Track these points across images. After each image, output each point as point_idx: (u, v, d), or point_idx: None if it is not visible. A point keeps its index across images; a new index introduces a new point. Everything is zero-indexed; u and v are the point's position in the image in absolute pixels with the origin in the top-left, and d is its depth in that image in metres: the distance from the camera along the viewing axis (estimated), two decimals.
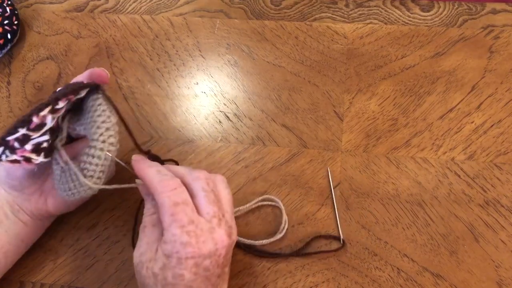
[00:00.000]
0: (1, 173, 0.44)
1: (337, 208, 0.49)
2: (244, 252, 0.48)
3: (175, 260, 0.35)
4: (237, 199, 0.51)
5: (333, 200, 0.50)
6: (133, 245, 0.49)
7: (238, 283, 0.47)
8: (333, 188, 0.50)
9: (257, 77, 0.57)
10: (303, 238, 0.48)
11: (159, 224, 0.39)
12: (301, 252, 0.47)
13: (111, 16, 0.63)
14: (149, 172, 0.39)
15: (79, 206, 0.51)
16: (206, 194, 0.38)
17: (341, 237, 0.48)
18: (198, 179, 0.39)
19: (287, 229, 0.48)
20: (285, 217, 0.49)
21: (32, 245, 0.49)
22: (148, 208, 0.41)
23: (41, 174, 0.44)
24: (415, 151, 0.51)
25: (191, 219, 0.36)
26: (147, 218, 0.40)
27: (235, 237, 0.39)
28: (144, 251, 0.38)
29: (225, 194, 0.40)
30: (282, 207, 0.49)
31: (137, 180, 0.42)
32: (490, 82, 0.54)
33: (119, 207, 0.51)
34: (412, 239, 0.47)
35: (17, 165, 0.39)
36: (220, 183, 0.41)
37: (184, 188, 0.38)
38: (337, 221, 0.49)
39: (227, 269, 0.40)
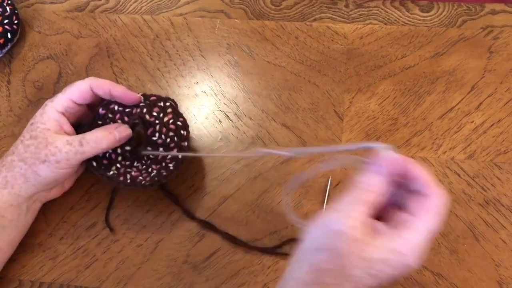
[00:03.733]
0: (41, 182, 0.45)
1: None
2: (244, 251, 0.48)
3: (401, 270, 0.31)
4: (237, 199, 0.51)
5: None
6: (108, 225, 0.50)
7: (238, 282, 0.47)
8: (330, 189, 0.50)
9: (257, 77, 0.57)
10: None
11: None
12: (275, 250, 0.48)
13: (112, 16, 0.63)
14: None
15: (79, 206, 0.51)
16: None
17: None
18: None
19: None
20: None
21: (31, 244, 0.49)
22: (379, 187, 0.34)
23: None
24: (415, 151, 0.51)
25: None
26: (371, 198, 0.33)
27: None
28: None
29: None
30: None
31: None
32: (489, 82, 0.54)
33: (118, 206, 0.51)
34: None
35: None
36: None
37: None
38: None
39: None
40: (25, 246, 0.49)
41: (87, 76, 0.59)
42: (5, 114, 0.58)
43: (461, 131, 0.52)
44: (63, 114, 0.46)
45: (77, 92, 0.46)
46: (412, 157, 0.51)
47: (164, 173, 0.47)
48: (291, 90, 0.56)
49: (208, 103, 0.56)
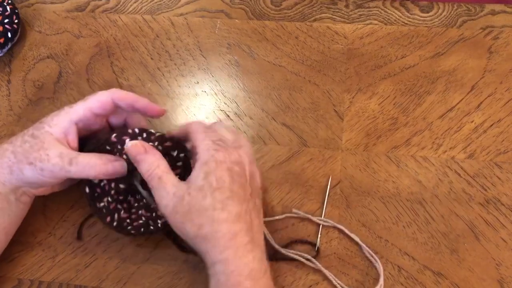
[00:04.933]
0: (23, 181, 0.44)
1: (333, 208, 0.49)
2: None
3: (213, 164, 0.39)
4: None
5: (322, 211, 0.50)
6: (80, 237, 0.50)
7: None
8: (330, 189, 0.50)
9: (257, 77, 0.57)
10: (304, 236, 0.48)
11: (169, 171, 0.41)
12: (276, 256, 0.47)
13: (112, 16, 0.63)
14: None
15: (78, 205, 0.51)
16: (225, 127, 0.44)
17: (317, 245, 0.48)
18: (219, 121, 0.46)
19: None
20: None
21: (31, 243, 0.49)
22: (149, 164, 0.41)
23: None
24: (415, 150, 0.51)
25: (220, 138, 0.41)
26: (156, 171, 0.41)
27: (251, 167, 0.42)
28: (178, 186, 0.40)
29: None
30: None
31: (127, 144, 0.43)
32: (489, 82, 0.54)
33: None
34: (413, 238, 0.47)
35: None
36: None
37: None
38: (318, 232, 0.48)
39: (258, 201, 0.42)
40: (25, 245, 0.49)
41: (88, 76, 0.59)
42: (5, 113, 0.58)
43: (461, 131, 0.52)
44: (75, 124, 0.44)
45: (97, 102, 0.45)
46: (413, 156, 0.51)
47: (152, 227, 0.46)
48: (291, 89, 0.56)
49: (209, 103, 0.56)
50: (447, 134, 0.52)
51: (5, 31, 0.58)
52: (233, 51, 0.59)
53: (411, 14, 0.60)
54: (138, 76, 0.59)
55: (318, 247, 0.47)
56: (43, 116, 0.56)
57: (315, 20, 0.61)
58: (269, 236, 0.47)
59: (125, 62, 0.60)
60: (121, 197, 0.46)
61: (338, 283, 0.45)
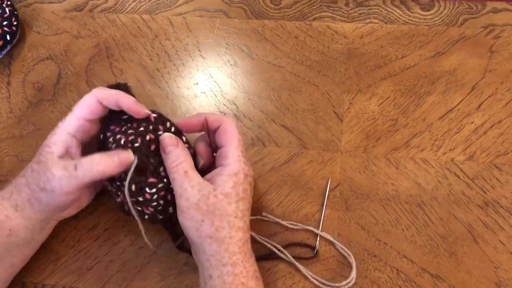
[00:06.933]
0: (46, 209, 0.44)
1: (332, 211, 0.49)
2: None
3: (242, 176, 0.42)
4: None
5: (322, 214, 0.50)
6: (181, 247, 0.48)
7: None
8: (330, 191, 0.50)
9: (256, 77, 0.57)
10: (303, 239, 0.48)
11: (194, 168, 0.43)
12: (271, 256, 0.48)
13: (111, 15, 0.63)
14: (212, 114, 0.46)
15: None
16: (236, 125, 0.45)
17: (316, 248, 0.48)
18: (231, 115, 0.48)
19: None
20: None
21: None
22: (177, 155, 0.42)
23: None
24: (414, 152, 0.51)
25: (243, 148, 0.44)
26: (182, 164, 0.42)
27: None
28: (203, 184, 0.41)
29: None
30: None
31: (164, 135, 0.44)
32: (490, 82, 0.54)
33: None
34: (412, 240, 0.48)
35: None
36: None
37: None
38: (317, 235, 0.49)
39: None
40: None
41: (87, 77, 0.59)
42: (5, 115, 0.58)
43: (461, 132, 0.52)
44: (74, 136, 0.44)
45: (85, 108, 0.44)
46: (412, 158, 0.51)
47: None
48: (290, 90, 0.56)
49: (208, 104, 0.56)
50: (447, 136, 0.52)
51: (4, 33, 0.58)
52: (232, 51, 0.59)
53: (411, 13, 0.59)
54: (137, 78, 0.58)
55: (317, 250, 0.48)
56: (43, 118, 0.57)
57: (314, 19, 0.60)
58: (253, 234, 0.48)
59: (124, 63, 0.60)
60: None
61: (314, 278, 0.46)
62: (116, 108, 0.44)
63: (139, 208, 0.44)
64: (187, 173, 0.41)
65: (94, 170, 0.42)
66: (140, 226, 0.44)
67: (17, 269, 0.47)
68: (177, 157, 0.42)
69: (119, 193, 0.45)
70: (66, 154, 0.43)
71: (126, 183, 0.42)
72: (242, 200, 0.41)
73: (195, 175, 0.42)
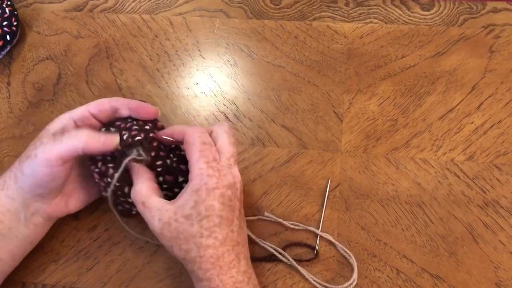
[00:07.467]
0: (26, 183, 0.43)
1: (332, 211, 0.49)
2: None
3: (204, 192, 0.39)
4: None
5: (322, 214, 0.50)
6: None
7: None
8: (330, 191, 0.50)
9: (256, 77, 0.57)
10: (303, 239, 0.48)
11: (158, 191, 0.43)
12: (272, 258, 0.48)
13: (110, 15, 0.63)
14: (179, 125, 0.45)
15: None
16: (227, 136, 0.43)
17: (317, 248, 0.48)
18: (222, 125, 0.45)
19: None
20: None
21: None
22: (142, 182, 0.42)
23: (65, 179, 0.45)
24: (414, 152, 0.51)
25: (215, 157, 0.41)
26: (138, 196, 0.42)
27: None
28: (163, 211, 0.40)
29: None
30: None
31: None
32: (490, 82, 0.54)
33: None
34: (412, 240, 0.48)
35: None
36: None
37: (208, 134, 0.43)
38: (317, 235, 0.49)
39: (242, 211, 0.44)
40: None
41: (87, 77, 0.59)
42: (5, 116, 0.58)
43: (461, 132, 0.52)
44: (75, 121, 0.44)
45: (94, 103, 0.45)
46: (412, 158, 0.51)
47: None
48: (290, 90, 0.56)
49: (208, 104, 0.56)
50: (447, 136, 0.52)
51: (4, 34, 0.58)
52: (232, 51, 0.59)
53: (411, 13, 0.59)
54: (137, 78, 0.58)
55: (317, 250, 0.48)
56: (43, 118, 0.57)
57: (314, 19, 0.60)
58: (253, 237, 0.48)
59: (124, 63, 0.60)
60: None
61: (316, 281, 0.46)
62: (126, 112, 0.46)
63: (127, 206, 0.45)
64: (144, 204, 0.41)
65: (78, 137, 0.42)
66: (116, 215, 0.45)
67: (5, 265, 0.45)
68: (133, 192, 0.42)
69: (104, 179, 0.45)
70: (60, 133, 0.43)
71: (117, 175, 0.43)
72: (206, 218, 0.40)
73: (153, 203, 0.41)
